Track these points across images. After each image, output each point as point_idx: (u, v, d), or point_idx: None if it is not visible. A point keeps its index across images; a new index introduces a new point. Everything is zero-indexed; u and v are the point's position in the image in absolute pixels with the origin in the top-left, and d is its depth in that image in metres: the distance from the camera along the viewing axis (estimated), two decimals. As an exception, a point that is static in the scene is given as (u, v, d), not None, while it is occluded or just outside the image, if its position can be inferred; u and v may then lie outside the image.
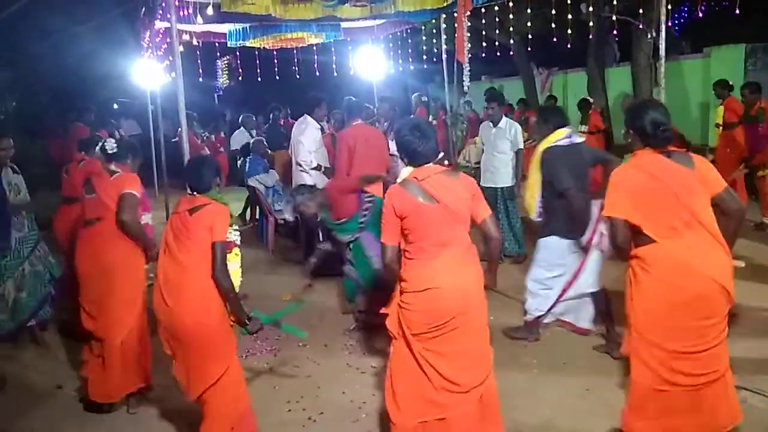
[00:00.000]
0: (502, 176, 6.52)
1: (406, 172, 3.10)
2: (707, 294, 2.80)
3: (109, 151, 4.50)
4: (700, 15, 7.71)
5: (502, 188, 6.52)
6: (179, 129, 5.61)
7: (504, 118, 6.61)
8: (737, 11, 6.65)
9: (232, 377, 3.24)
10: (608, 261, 4.20)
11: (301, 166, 6.46)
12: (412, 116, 7.30)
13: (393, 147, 4.13)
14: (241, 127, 10.14)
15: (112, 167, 4.05)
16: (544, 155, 4.32)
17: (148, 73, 9.48)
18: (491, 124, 6.66)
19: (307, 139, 6.44)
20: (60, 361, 4.75)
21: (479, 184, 3.68)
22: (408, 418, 3.04)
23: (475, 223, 3.10)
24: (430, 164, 3.06)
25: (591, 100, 10.50)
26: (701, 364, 2.85)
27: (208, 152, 11.04)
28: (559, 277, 4.38)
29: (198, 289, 3.13)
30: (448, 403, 3.01)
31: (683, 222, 2.82)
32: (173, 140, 10.96)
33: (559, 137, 4.34)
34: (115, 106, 15.35)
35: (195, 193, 3.31)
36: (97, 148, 4.94)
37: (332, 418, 3.71)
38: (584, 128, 10.05)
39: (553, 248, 4.37)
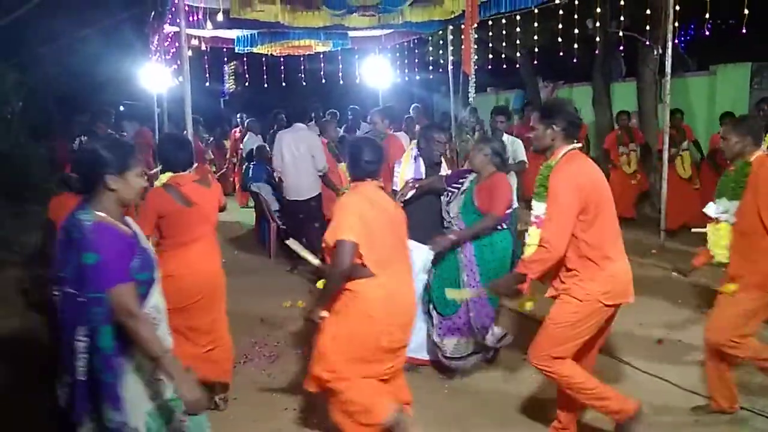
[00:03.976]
0: None
1: (164, 177, 3.64)
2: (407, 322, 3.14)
3: None
4: (707, 33, 7.70)
5: None
6: (185, 132, 5.64)
7: (505, 135, 6.08)
8: (744, 30, 6.65)
9: None
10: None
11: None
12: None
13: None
14: (248, 133, 10.15)
15: None
16: None
17: (155, 77, 9.53)
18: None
19: (314, 144, 6.52)
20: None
21: None
22: None
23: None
24: (189, 172, 3.64)
25: (682, 111, 8.75)
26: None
27: (213, 157, 11.13)
28: None
29: None
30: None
31: (394, 254, 3.03)
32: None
33: None
34: (121, 108, 15.44)
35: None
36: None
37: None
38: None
39: None
